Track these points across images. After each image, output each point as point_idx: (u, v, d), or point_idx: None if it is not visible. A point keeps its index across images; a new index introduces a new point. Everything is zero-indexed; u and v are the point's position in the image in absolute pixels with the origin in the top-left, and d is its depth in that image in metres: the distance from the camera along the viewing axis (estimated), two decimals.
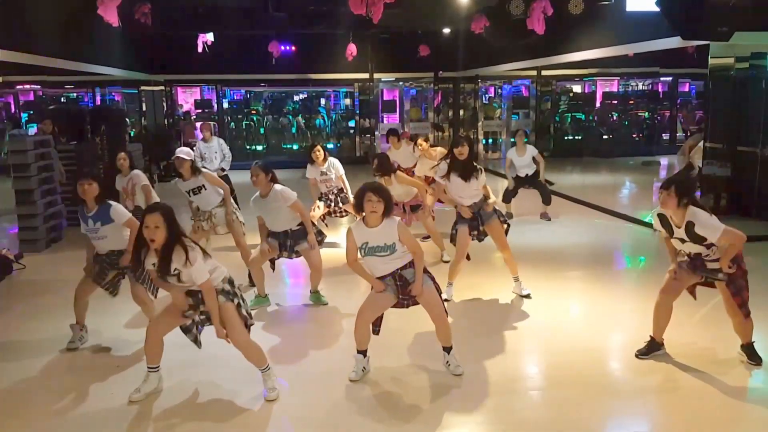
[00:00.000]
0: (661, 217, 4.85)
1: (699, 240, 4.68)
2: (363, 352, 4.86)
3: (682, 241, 4.76)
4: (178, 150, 7.22)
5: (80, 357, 5.36)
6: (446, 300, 5.81)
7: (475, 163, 6.39)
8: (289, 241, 6.28)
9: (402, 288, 4.68)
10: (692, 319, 5.59)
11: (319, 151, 8.51)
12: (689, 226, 4.65)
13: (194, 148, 10.39)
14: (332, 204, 8.66)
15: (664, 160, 18.17)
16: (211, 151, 10.38)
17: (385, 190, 4.60)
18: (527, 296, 6.64)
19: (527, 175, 10.39)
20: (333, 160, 8.72)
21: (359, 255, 4.72)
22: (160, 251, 4.18)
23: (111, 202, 5.36)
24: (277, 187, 6.15)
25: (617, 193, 14.40)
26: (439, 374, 4.90)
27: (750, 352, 5.01)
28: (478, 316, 6.30)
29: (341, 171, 8.66)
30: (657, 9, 9.48)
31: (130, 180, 7.45)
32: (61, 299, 6.75)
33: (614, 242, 9.66)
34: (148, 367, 4.59)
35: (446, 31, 17.81)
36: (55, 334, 5.78)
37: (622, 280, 7.84)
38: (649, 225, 9.80)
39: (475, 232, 6.44)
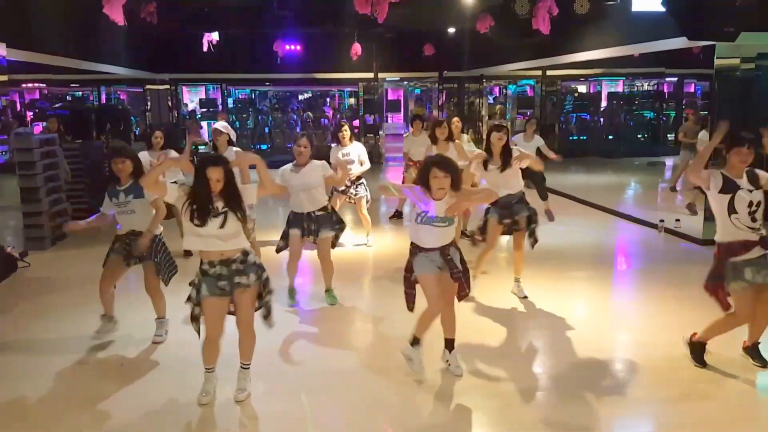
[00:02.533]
0: (723, 176, 4.72)
1: (759, 187, 4.67)
2: (419, 341, 4.82)
3: (750, 191, 4.67)
4: (217, 123, 7.76)
5: (87, 356, 5.35)
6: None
7: (512, 150, 6.39)
8: (313, 225, 6.32)
9: (449, 262, 4.63)
10: (701, 321, 5.57)
11: (346, 130, 8.55)
12: (749, 174, 4.69)
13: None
14: (347, 191, 8.62)
15: (669, 161, 18.13)
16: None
17: (450, 163, 4.55)
18: (525, 297, 6.64)
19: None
20: (359, 144, 8.72)
21: (415, 220, 4.63)
22: (222, 196, 4.25)
23: None
24: (317, 161, 6.32)
25: (622, 193, 14.37)
26: (444, 374, 4.89)
27: (756, 353, 4.99)
28: (483, 316, 6.29)
29: (365, 156, 8.59)
30: (663, 9, 9.45)
31: (165, 155, 7.91)
32: (66, 297, 6.78)
33: (619, 243, 9.65)
34: (206, 368, 4.50)
35: (451, 30, 17.80)
36: (61, 333, 5.81)
37: (627, 281, 7.83)
38: (654, 225, 9.78)
39: (508, 221, 6.42)
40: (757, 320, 4.86)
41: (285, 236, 6.49)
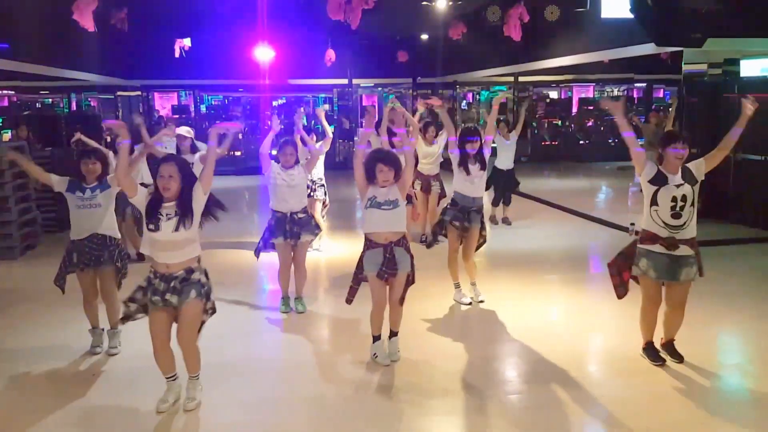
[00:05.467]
0: (658, 170, 4.91)
1: (693, 181, 4.86)
2: (379, 337, 5.19)
3: (677, 186, 4.83)
4: (179, 128, 7.81)
5: (57, 368, 5.24)
6: (471, 303, 6.60)
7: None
8: (295, 228, 6.28)
9: (388, 261, 4.93)
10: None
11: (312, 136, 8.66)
12: (686, 169, 4.90)
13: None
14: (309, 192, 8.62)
15: None
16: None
17: (393, 157, 5.01)
18: (481, 301, 6.67)
19: (507, 169, 10.34)
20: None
21: (365, 206, 5.02)
22: (177, 200, 4.23)
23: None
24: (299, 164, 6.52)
25: (593, 197, 14.56)
26: (417, 376, 4.91)
27: (672, 350, 5.17)
28: (456, 320, 6.33)
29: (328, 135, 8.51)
30: (631, 16, 9.61)
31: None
32: (37, 308, 6.67)
33: (591, 246, 9.76)
34: (166, 377, 4.44)
35: (424, 37, 17.91)
36: (30, 345, 5.71)
37: (599, 283, 7.90)
38: (624, 229, 9.91)
39: (458, 224, 6.44)
40: (668, 318, 5.10)
41: (266, 241, 6.40)
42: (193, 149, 7.71)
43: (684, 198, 4.84)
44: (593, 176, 17.34)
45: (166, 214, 4.21)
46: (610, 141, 21.24)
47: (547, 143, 21.09)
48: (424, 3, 13.47)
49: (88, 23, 10.05)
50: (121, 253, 5.39)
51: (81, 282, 5.37)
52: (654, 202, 4.88)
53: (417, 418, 4.38)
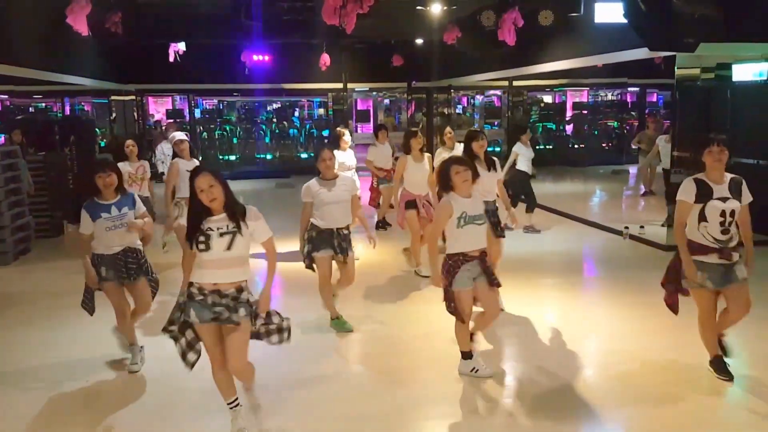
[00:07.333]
0: (698, 182, 4.65)
1: (739, 197, 4.62)
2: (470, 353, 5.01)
3: (724, 199, 4.57)
4: (176, 133, 7.87)
5: (51, 372, 5.24)
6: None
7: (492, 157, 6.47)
8: (343, 243, 5.87)
9: (487, 273, 4.78)
10: (667, 326, 5.67)
11: (346, 137, 8.78)
12: (735, 182, 4.65)
13: (157, 149, 10.43)
14: None
15: (633, 169, 18.46)
16: None
17: (466, 160, 4.88)
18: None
19: (532, 174, 10.44)
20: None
21: (458, 226, 4.67)
22: (225, 209, 3.85)
23: (129, 191, 5.29)
24: (346, 173, 6.09)
25: (588, 201, 14.59)
26: (412, 380, 4.91)
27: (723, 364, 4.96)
28: (453, 324, 6.31)
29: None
30: (625, 21, 9.66)
31: (142, 166, 7.93)
32: (30, 313, 6.65)
33: (586, 250, 9.78)
34: (228, 404, 4.08)
35: (419, 41, 17.94)
36: (23, 351, 5.69)
37: (595, 288, 7.93)
38: (619, 233, 9.93)
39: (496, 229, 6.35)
40: (728, 319, 4.85)
41: (310, 256, 5.90)
42: (192, 153, 7.55)
43: (732, 213, 4.57)
44: (587, 180, 17.38)
45: (218, 228, 3.81)
46: (604, 145, 21.33)
47: (541, 147, 21.14)
48: (419, 8, 13.48)
49: (82, 27, 10.02)
50: (150, 265, 5.24)
51: (111, 297, 5.09)
52: (702, 218, 4.60)
53: (412, 422, 4.38)
